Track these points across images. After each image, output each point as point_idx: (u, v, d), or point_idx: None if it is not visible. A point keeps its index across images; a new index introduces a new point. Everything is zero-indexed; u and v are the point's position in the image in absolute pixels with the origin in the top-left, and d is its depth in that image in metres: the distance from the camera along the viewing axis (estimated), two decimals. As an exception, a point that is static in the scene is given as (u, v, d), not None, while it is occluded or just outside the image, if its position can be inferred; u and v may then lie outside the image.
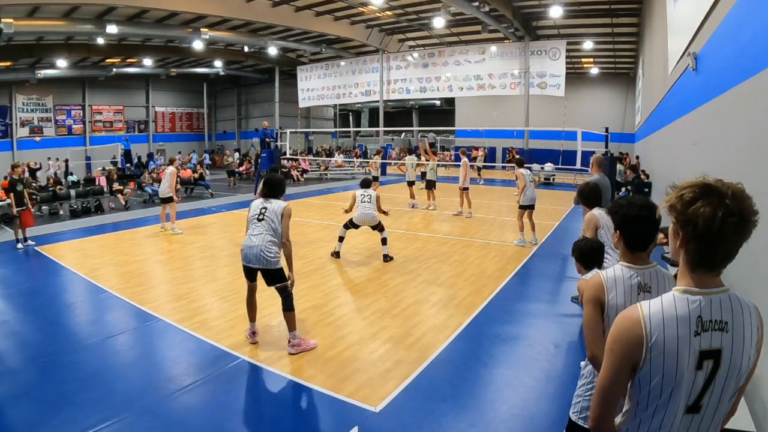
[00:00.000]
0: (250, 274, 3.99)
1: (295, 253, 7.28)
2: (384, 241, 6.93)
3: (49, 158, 20.23)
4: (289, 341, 3.94)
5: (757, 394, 2.23)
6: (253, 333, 4.16)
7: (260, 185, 4.41)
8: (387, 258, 6.87)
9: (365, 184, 7.19)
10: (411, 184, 12.33)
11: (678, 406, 1.16)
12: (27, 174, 17.35)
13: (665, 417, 1.17)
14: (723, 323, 1.14)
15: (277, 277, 3.87)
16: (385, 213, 7.07)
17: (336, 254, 7.08)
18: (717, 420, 1.20)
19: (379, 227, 6.95)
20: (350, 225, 6.93)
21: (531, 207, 7.96)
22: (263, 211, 3.90)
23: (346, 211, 7.01)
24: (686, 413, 1.17)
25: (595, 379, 1.83)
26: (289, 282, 3.90)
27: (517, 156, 8.86)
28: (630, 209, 1.72)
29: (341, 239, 7.11)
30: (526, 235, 8.09)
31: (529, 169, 8.50)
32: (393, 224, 9.99)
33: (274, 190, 4.01)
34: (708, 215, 1.08)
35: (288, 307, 3.91)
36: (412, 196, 12.19)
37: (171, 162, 9.64)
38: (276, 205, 3.91)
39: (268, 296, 5.42)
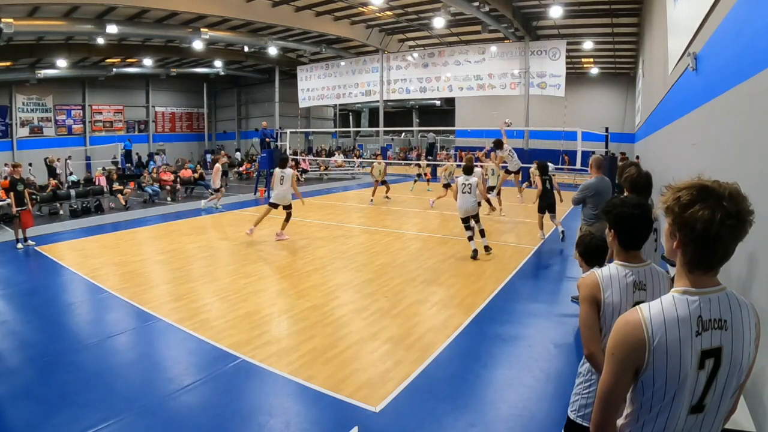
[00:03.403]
0: None
1: (296, 253, 7.31)
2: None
3: (30, 163, 19.91)
4: None
5: (757, 394, 2.23)
6: None
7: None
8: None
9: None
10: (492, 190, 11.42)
11: (682, 407, 1.16)
12: (47, 173, 17.34)
13: (669, 418, 1.17)
14: (722, 321, 1.14)
15: None
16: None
17: None
18: (720, 418, 1.21)
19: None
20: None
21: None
22: None
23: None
24: (690, 413, 1.17)
25: (592, 377, 1.84)
26: None
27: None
28: (623, 208, 1.73)
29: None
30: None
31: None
32: (393, 224, 9.99)
33: None
34: (706, 219, 1.08)
35: None
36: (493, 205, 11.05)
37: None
38: None
39: (268, 296, 5.44)
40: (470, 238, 7.03)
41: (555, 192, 8.43)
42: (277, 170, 8.25)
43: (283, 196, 8.09)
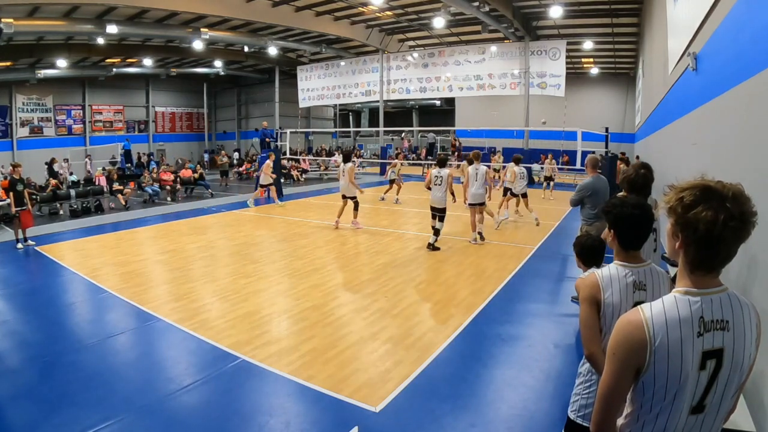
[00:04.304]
0: None
1: (296, 253, 7.31)
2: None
3: (46, 162, 20.07)
4: None
5: (757, 394, 2.23)
6: None
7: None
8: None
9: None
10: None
11: (682, 408, 1.15)
12: (47, 174, 17.41)
13: (669, 419, 1.16)
14: (724, 322, 1.14)
15: None
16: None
17: None
18: (720, 418, 1.20)
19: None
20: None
21: (473, 205, 7.84)
22: None
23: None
24: (690, 414, 1.17)
25: (592, 377, 1.84)
26: None
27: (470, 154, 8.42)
28: (623, 208, 1.73)
29: None
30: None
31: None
32: (392, 224, 9.99)
33: None
34: (709, 220, 1.07)
35: None
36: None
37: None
38: None
39: (268, 296, 5.44)
40: (433, 226, 7.57)
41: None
42: (341, 165, 9.25)
43: (344, 188, 9.06)
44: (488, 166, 9.53)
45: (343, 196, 9.23)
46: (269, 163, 12.88)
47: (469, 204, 7.88)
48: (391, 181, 13.41)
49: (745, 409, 2.17)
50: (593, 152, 6.96)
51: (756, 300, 2.25)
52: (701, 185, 1.12)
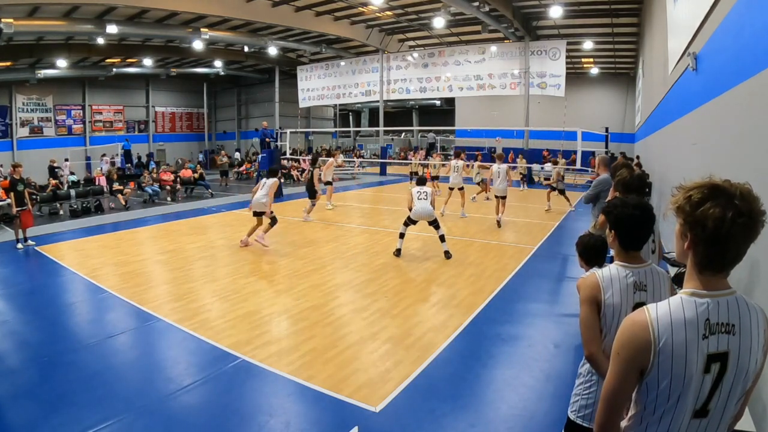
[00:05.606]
0: None
1: (296, 253, 7.30)
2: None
3: (66, 159, 20.19)
4: None
5: (757, 394, 2.22)
6: None
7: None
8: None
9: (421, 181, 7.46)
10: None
11: (685, 411, 1.15)
12: (48, 175, 17.50)
13: (672, 421, 1.16)
14: (730, 326, 1.13)
15: None
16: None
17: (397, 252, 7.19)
18: (724, 424, 1.19)
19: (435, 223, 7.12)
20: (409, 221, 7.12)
21: (497, 197, 9.56)
22: None
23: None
24: (693, 417, 1.16)
25: (593, 377, 1.84)
26: None
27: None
28: (624, 209, 1.73)
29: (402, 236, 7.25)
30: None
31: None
32: (393, 224, 9.98)
33: None
34: (717, 216, 1.07)
35: None
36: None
37: None
38: None
39: (268, 296, 5.44)
40: (401, 236, 7.23)
41: (316, 181, 10.62)
42: (264, 179, 8.02)
43: (258, 203, 7.64)
44: (512, 167, 10.79)
45: (255, 213, 7.75)
46: (332, 161, 12.72)
47: (495, 196, 9.61)
48: (479, 182, 13.30)
49: (745, 409, 2.17)
50: (593, 153, 6.98)
51: (757, 301, 2.25)
52: (709, 184, 1.12)
